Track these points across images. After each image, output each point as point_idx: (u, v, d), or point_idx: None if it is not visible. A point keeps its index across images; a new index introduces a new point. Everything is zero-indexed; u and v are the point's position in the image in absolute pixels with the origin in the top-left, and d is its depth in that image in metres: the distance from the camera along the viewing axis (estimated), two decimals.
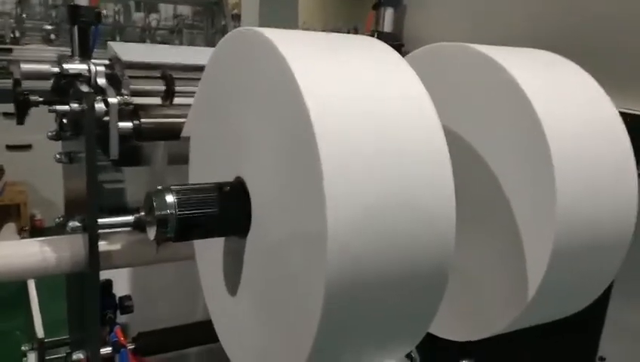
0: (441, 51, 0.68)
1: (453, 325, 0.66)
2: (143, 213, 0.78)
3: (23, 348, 1.07)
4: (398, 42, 1.13)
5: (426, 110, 0.49)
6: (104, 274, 0.86)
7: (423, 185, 0.46)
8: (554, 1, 0.96)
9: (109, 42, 0.88)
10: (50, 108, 0.75)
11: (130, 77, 0.80)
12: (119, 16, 4.00)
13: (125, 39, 3.80)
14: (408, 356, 1.01)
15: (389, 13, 1.17)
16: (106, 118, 0.74)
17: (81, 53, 0.82)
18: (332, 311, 0.44)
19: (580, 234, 0.56)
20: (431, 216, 0.46)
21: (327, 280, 0.42)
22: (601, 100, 0.62)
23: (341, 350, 0.49)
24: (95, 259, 0.76)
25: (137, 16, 4.22)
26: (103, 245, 0.81)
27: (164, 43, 4.10)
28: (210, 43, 3.97)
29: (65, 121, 0.78)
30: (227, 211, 0.55)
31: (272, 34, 0.50)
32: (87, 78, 0.79)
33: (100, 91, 0.76)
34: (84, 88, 0.76)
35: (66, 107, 0.72)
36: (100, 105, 0.72)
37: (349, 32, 1.59)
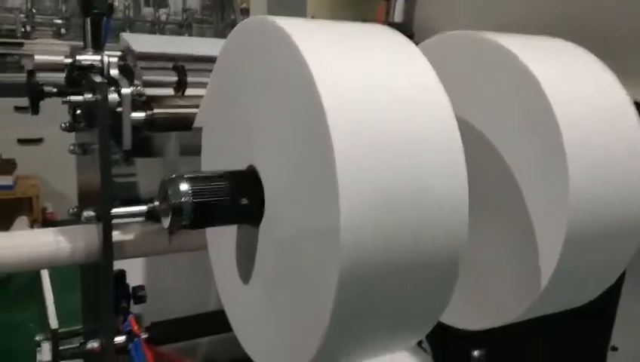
0: (452, 40, 0.68)
1: (465, 314, 0.67)
2: (156, 203, 0.78)
3: (36, 338, 1.08)
4: (408, 32, 1.12)
5: (440, 99, 0.49)
6: (117, 265, 0.86)
7: (436, 174, 0.46)
8: None
9: (121, 33, 0.88)
10: (64, 99, 0.76)
11: (143, 68, 0.81)
12: (129, 11, 4.02)
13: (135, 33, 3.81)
14: (419, 346, 1.01)
15: (399, 4, 1.17)
16: (119, 109, 0.75)
17: (93, 44, 0.82)
18: (344, 301, 0.44)
19: (593, 221, 0.56)
20: (444, 205, 0.46)
21: (341, 271, 0.43)
22: (613, 87, 0.62)
23: (353, 339, 0.49)
24: (109, 248, 0.77)
25: (147, 10, 4.24)
26: (116, 235, 0.81)
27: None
28: (221, 37, 3.98)
29: (78, 112, 0.79)
30: (240, 199, 0.55)
31: (284, 23, 0.50)
32: (100, 69, 0.80)
33: (113, 82, 0.76)
34: (97, 79, 0.76)
35: (80, 98, 0.73)
36: (113, 96, 0.73)
37: None
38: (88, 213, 0.77)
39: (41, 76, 0.83)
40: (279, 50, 0.50)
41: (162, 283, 1.10)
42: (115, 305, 0.86)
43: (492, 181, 0.63)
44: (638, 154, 0.59)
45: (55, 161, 3.16)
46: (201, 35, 4.24)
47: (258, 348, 0.61)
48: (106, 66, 0.79)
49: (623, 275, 0.64)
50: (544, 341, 0.86)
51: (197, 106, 0.75)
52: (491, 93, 0.63)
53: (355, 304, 0.45)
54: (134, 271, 1.03)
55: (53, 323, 1.00)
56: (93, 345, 0.83)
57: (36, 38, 3.57)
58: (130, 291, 0.93)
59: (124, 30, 3.83)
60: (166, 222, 0.54)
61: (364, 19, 1.61)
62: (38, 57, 0.78)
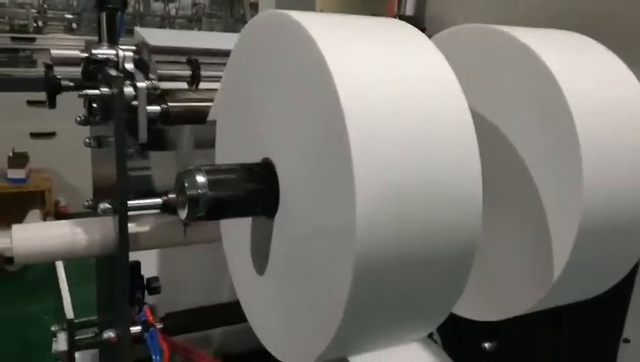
0: (464, 33, 0.68)
1: (477, 305, 0.67)
2: (171, 195, 0.79)
3: (52, 328, 1.10)
4: (420, 26, 1.12)
5: (454, 92, 0.50)
6: (132, 256, 0.88)
7: (451, 167, 0.47)
8: None
9: (135, 28, 0.89)
10: (80, 93, 0.77)
11: (157, 62, 0.82)
12: (139, 5, 4.03)
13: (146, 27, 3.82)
14: (429, 337, 1.02)
15: None
16: (135, 103, 0.76)
17: (108, 39, 0.83)
18: (358, 294, 0.45)
19: (606, 213, 0.56)
20: (458, 198, 0.47)
21: (355, 266, 0.43)
22: (626, 79, 0.62)
23: (366, 330, 0.50)
24: (125, 240, 0.78)
25: (156, 5, 4.25)
26: (131, 227, 0.82)
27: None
28: (230, 32, 3.99)
29: (94, 105, 0.80)
30: (256, 191, 0.56)
31: (301, 16, 0.51)
32: (115, 63, 0.80)
33: (129, 76, 0.77)
34: (113, 73, 0.77)
35: (96, 91, 0.74)
36: (129, 90, 0.74)
37: None
38: (104, 206, 0.78)
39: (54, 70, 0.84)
40: (295, 43, 0.50)
41: (175, 275, 1.11)
42: (131, 295, 0.87)
43: (505, 173, 0.63)
44: None
45: (67, 155, 3.19)
46: (210, 29, 4.25)
47: (272, 338, 0.61)
48: (121, 60, 0.80)
49: (636, 267, 0.64)
50: (556, 333, 0.86)
51: (211, 100, 0.76)
52: (504, 85, 0.63)
53: (368, 296, 0.46)
54: (148, 263, 1.04)
55: (69, 313, 1.02)
56: (109, 334, 0.84)
57: (48, 33, 3.60)
58: (145, 282, 0.94)
59: (133, 24, 3.85)
60: (183, 213, 0.55)
61: (373, 14, 1.61)
62: (54, 52, 0.79)
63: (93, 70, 0.81)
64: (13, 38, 3.45)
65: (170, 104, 0.80)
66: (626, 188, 0.57)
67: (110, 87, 0.73)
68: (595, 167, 0.55)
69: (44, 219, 3.03)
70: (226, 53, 0.70)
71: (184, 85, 0.88)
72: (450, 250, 0.47)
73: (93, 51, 0.80)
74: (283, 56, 0.54)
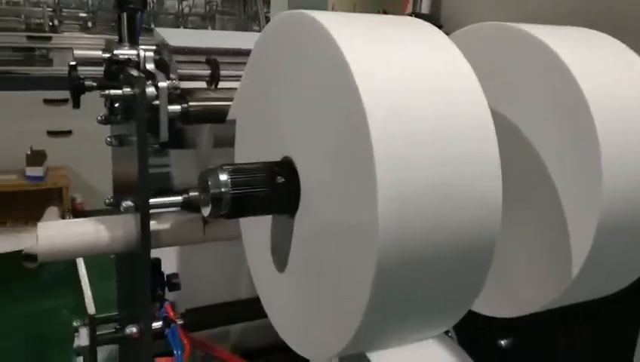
0: (482, 31, 0.68)
1: (494, 301, 0.68)
2: (192, 193, 0.81)
3: (74, 323, 1.12)
4: (436, 24, 1.12)
5: (474, 90, 0.50)
6: (152, 253, 0.89)
7: (471, 165, 0.47)
8: None
9: (155, 28, 0.90)
10: (103, 92, 0.79)
11: (177, 62, 0.83)
12: (153, 4, 4.06)
13: (159, 26, 3.85)
14: (445, 334, 1.02)
15: None
16: (156, 102, 0.77)
17: (129, 39, 0.85)
18: (380, 292, 0.45)
19: (625, 210, 0.56)
20: (478, 196, 0.47)
21: (377, 264, 0.44)
22: None
23: (387, 326, 0.51)
24: (147, 237, 0.79)
25: (169, 3, 4.28)
26: (152, 225, 0.84)
27: (197, 29, 4.16)
28: (243, 29, 4.01)
29: (116, 105, 0.81)
30: (277, 189, 0.57)
31: (321, 16, 0.51)
32: (136, 63, 0.82)
33: (150, 76, 0.79)
34: (134, 73, 0.78)
35: (119, 91, 0.75)
36: (150, 90, 0.75)
37: None
38: (127, 203, 0.80)
39: (62, 69, 0.85)
40: (316, 42, 0.51)
41: (194, 271, 1.13)
42: (152, 292, 0.89)
43: (523, 171, 0.63)
44: None
45: (83, 153, 3.23)
46: (223, 26, 4.27)
47: (293, 333, 0.62)
48: (142, 60, 0.81)
49: None
50: (572, 330, 0.87)
51: (230, 99, 0.77)
52: (522, 82, 0.63)
53: (390, 294, 0.46)
54: (167, 259, 1.05)
55: (91, 308, 1.04)
56: (132, 330, 0.86)
57: (63, 31, 3.64)
58: (165, 279, 0.96)
59: (148, 23, 3.87)
60: (205, 211, 0.56)
61: (384, 11, 1.61)
62: (77, 52, 0.80)
63: (115, 70, 0.82)
64: (29, 37, 3.49)
65: (190, 103, 0.81)
66: None
67: (132, 87, 0.75)
68: (614, 164, 0.55)
69: (62, 216, 3.06)
70: (244, 53, 0.71)
71: (202, 84, 0.89)
72: (470, 248, 0.48)
73: (115, 52, 0.81)
74: (303, 55, 0.54)
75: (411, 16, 1.22)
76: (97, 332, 1.07)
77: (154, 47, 0.87)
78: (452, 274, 0.48)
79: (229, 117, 0.76)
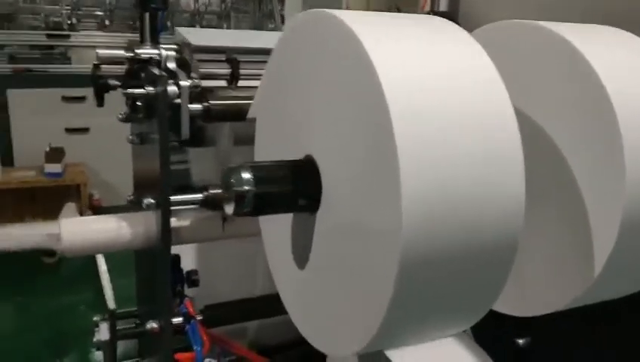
0: (505, 29, 0.68)
1: (514, 300, 0.67)
2: (212, 191, 0.81)
3: (94, 318, 1.13)
4: (454, 21, 1.12)
5: (497, 88, 0.50)
6: (172, 250, 0.90)
7: (494, 165, 0.47)
8: None
9: (177, 28, 0.91)
10: (125, 91, 0.80)
11: (198, 61, 0.84)
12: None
13: (175, 24, 3.88)
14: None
15: None
16: (177, 101, 0.78)
17: (151, 38, 0.86)
18: (403, 290, 0.45)
19: None
20: (501, 195, 0.47)
21: (400, 263, 0.44)
22: None
23: (408, 325, 0.51)
24: (167, 234, 0.80)
25: (184, 1, 4.30)
26: (172, 221, 0.85)
27: (212, 27, 4.18)
28: (258, 26, 4.02)
29: (138, 103, 0.82)
30: (299, 188, 0.57)
31: (344, 15, 0.52)
32: (158, 62, 0.83)
33: (172, 75, 0.79)
34: (156, 72, 0.79)
35: (141, 90, 0.76)
36: (172, 88, 0.76)
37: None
38: (148, 200, 0.81)
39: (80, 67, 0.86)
40: (339, 41, 0.51)
41: (211, 268, 1.14)
42: (171, 288, 0.90)
43: (544, 169, 0.63)
44: None
45: (100, 149, 3.27)
46: (238, 24, 4.28)
47: (313, 330, 0.63)
48: (163, 59, 0.82)
49: None
50: (592, 329, 0.86)
51: (250, 97, 0.78)
52: (545, 80, 0.63)
53: (412, 292, 0.47)
54: (185, 256, 1.07)
55: (111, 303, 1.05)
56: (152, 325, 0.87)
57: (81, 30, 3.68)
58: (184, 275, 0.97)
59: (164, 21, 3.89)
60: (229, 209, 0.57)
61: (398, 8, 1.60)
62: (101, 51, 0.81)
63: (137, 69, 0.83)
64: (48, 35, 3.53)
65: (211, 102, 0.82)
66: None
67: (154, 86, 0.75)
68: (636, 161, 0.55)
69: (80, 212, 3.10)
70: (264, 52, 0.71)
71: (222, 83, 0.90)
72: (493, 246, 0.48)
73: (137, 51, 0.82)
74: (326, 53, 0.55)
75: (429, 13, 1.22)
76: (117, 327, 1.08)
77: (174, 46, 0.88)
78: (474, 272, 0.49)
79: (249, 115, 0.76)
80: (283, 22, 3.40)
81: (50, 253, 2.74)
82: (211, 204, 0.85)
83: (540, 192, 0.64)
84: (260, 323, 1.12)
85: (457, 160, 0.46)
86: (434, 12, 1.20)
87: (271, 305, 0.72)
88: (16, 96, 3.25)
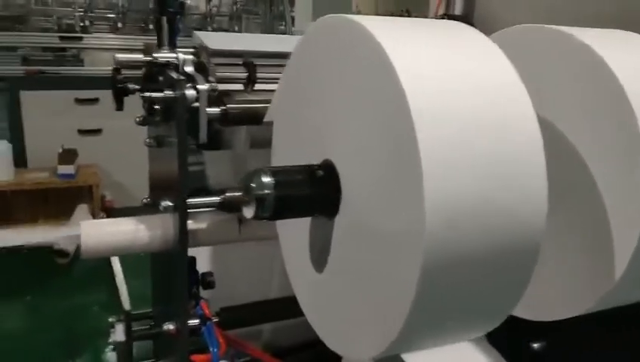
0: (523, 33, 0.68)
1: (532, 305, 0.67)
2: (229, 194, 0.82)
3: (110, 319, 1.14)
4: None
5: (519, 93, 0.50)
6: (188, 252, 0.91)
7: (517, 168, 0.47)
8: None
9: (194, 31, 0.92)
10: (143, 95, 0.80)
11: (216, 64, 0.84)
12: None
13: (186, 25, 3.89)
14: None
15: None
16: (195, 104, 0.78)
17: (168, 42, 0.86)
18: (425, 294, 0.45)
19: None
20: (524, 199, 0.47)
21: (423, 267, 0.44)
22: None
23: (429, 329, 0.51)
24: (184, 236, 0.81)
25: (195, 3, 4.32)
26: (189, 224, 0.85)
27: (223, 29, 4.20)
28: (269, 28, 4.03)
29: (156, 106, 0.83)
30: (319, 192, 0.58)
31: (365, 20, 0.52)
32: (176, 66, 0.83)
33: (190, 78, 0.80)
34: (174, 75, 0.80)
35: (160, 94, 0.77)
36: (190, 92, 0.77)
37: (401, 15, 1.59)
38: (166, 203, 0.81)
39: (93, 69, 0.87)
40: (360, 46, 0.51)
41: (225, 270, 1.14)
42: (188, 290, 0.90)
43: (564, 173, 0.63)
44: None
45: (112, 151, 3.29)
46: (249, 26, 4.30)
47: (332, 333, 0.63)
48: (181, 63, 0.83)
49: None
50: (609, 334, 0.86)
51: (267, 101, 0.78)
52: (564, 85, 0.63)
53: (434, 296, 0.47)
54: (200, 258, 1.07)
55: (127, 305, 1.06)
56: (169, 327, 0.87)
57: (93, 32, 3.70)
58: (200, 277, 0.97)
59: None
60: (248, 212, 0.57)
61: (407, 11, 1.60)
62: (119, 55, 0.82)
63: (155, 73, 0.84)
64: (61, 38, 3.56)
65: (229, 105, 0.82)
66: None
67: (173, 90, 0.76)
68: None
69: (93, 214, 3.12)
70: (280, 55, 0.72)
71: (238, 86, 0.91)
72: (515, 250, 0.48)
73: (155, 55, 0.83)
74: (347, 59, 0.55)
75: (443, 17, 1.22)
76: (133, 329, 1.09)
77: (192, 50, 0.88)
78: (496, 275, 0.49)
79: (266, 118, 0.77)
80: (293, 24, 3.41)
81: (63, 253, 2.77)
82: (228, 206, 0.85)
83: (559, 196, 0.64)
84: (273, 325, 1.12)
85: (479, 163, 0.46)
86: (448, 15, 1.21)
87: (287, 307, 0.72)
88: (29, 98, 3.28)
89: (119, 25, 3.75)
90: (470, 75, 0.50)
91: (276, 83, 0.73)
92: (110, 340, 1.11)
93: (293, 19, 3.49)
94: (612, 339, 0.89)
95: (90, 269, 2.63)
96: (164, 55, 0.83)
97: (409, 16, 1.58)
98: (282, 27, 3.81)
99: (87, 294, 2.54)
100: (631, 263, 0.56)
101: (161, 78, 0.84)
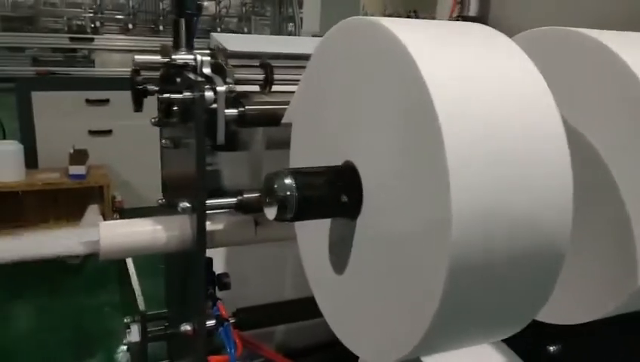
0: (544, 35, 0.68)
1: (557, 308, 0.67)
2: (247, 195, 0.82)
3: (125, 320, 1.15)
4: None
5: (543, 93, 0.50)
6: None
7: (542, 163, 0.47)
8: None
9: (212, 33, 0.92)
10: (162, 96, 0.80)
11: (233, 66, 0.84)
12: None
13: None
14: None
15: None
16: (213, 106, 0.79)
17: (186, 43, 0.86)
18: (452, 294, 0.45)
19: None
20: (549, 198, 0.47)
21: (450, 265, 0.44)
22: None
23: (455, 331, 0.51)
24: (202, 237, 0.81)
25: (205, 5, 4.34)
26: (207, 225, 0.85)
27: (232, 30, 4.21)
28: (277, 29, 4.04)
29: (174, 108, 0.83)
30: (341, 193, 0.58)
31: (387, 22, 0.52)
32: (194, 68, 0.84)
33: (208, 80, 0.80)
34: (192, 77, 0.80)
35: (179, 95, 0.77)
36: (209, 94, 0.77)
37: (408, 16, 1.59)
38: (184, 204, 0.82)
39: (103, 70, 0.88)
40: (384, 48, 0.51)
41: (240, 271, 1.14)
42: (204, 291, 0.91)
43: (587, 175, 0.63)
44: None
45: (123, 152, 3.31)
46: (258, 27, 4.32)
47: (352, 335, 0.63)
48: (199, 65, 0.83)
49: None
50: (628, 338, 0.85)
51: (284, 102, 0.78)
52: (586, 87, 0.63)
53: (461, 298, 0.46)
54: (215, 259, 1.07)
55: (142, 305, 1.06)
56: (186, 328, 0.88)
57: (104, 33, 3.73)
58: (216, 278, 0.97)
59: None
60: (271, 214, 0.57)
61: (415, 11, 1.60)
62: (138, 57, 0.83)
63: (172, 74, 0.84)
64: (72, 39, 3.58)
65: (247, 107, 0.82)
66: None
67: (192, 91, 0.76)
68: None
69: (103, 214, 3.13)
70: (297, 57, 0.72)
71: (255, 88, 0.91)
72: (541, 252, 0.48)
73: (173, 56, 0.83)
74: (369, 61, 0.55)
75: (458, 18, 1.21)
76: (148, 329, 1.09)
77: (209, 51, 0.89)
78: (522, 278, 0.48)
79: (284, 120, 0.77)
80: (302, 25, 3.41)
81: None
82: (244, 207, 0.85)
83: (581, 199, 0.64)
84: (287, 326, 1.12)
85: (505, 164, 0.46)
86: (463, 17, 1.20)
87: (306, 308, 0.72)
88: (40, 99, 3.29)
89: (129, 26, 3.77)
90: (494, 76, 0.50)
91: (293, 84, 0.73)
92: (125, 341, 1.11)
93: (301, 20, 3.49)
94: (628, 343, 0.88)
95: (102, 269, 2.64)
96: (182, 56, 0.84)
97: (416, 17, 1.58)
98: (291, 28, 3.81)
99: (98, 294, 2.55)
100: None
101: (178, 80, 0.84)
